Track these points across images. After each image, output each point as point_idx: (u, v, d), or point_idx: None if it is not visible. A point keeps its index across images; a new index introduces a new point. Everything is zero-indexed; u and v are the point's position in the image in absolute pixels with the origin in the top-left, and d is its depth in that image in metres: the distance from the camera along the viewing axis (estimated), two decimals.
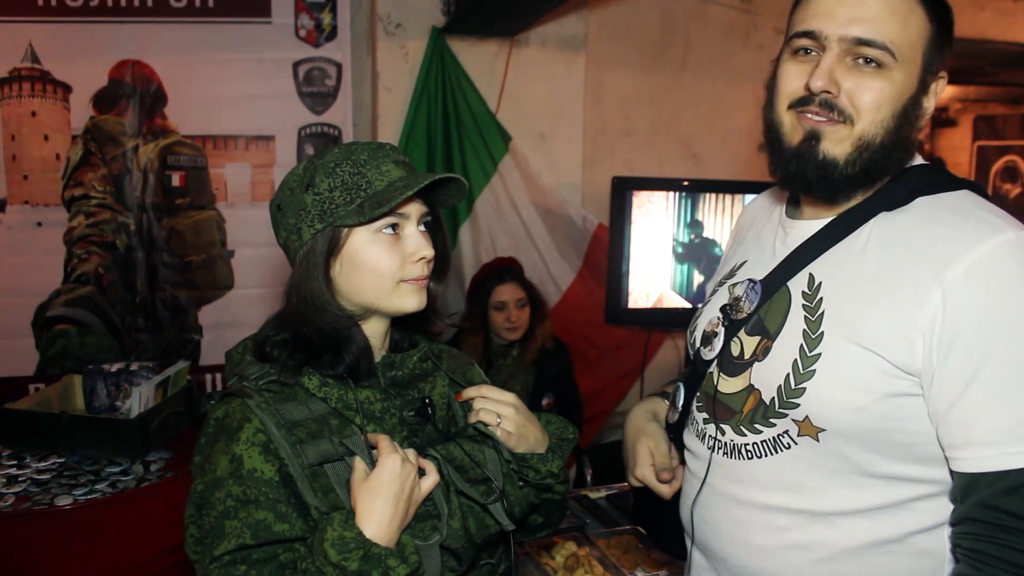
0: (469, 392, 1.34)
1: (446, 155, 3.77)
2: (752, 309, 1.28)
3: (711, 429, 1.32)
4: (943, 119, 9.64)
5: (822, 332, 1.17)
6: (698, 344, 1.38)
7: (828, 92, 1.16)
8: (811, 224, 1.26)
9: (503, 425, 1.30)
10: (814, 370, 1.16)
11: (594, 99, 4.13)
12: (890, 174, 1.20)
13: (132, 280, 3.66)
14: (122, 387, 2.76)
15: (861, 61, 1.15)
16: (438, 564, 1.20)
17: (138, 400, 2.57)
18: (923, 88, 1.17)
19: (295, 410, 1.21)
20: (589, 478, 3.26)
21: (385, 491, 1.14)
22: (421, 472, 1.22)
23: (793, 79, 1.20)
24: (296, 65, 3.67)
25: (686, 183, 3.78)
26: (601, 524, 2.40)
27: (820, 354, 1.16)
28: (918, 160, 1.24)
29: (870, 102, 1.15)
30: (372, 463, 1.18)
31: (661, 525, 1.50)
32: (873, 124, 1.16)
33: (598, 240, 3.89)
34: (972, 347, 1.05)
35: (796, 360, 1.18)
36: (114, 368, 2.79)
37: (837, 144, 1.18)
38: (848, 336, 1.14)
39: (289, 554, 1.15)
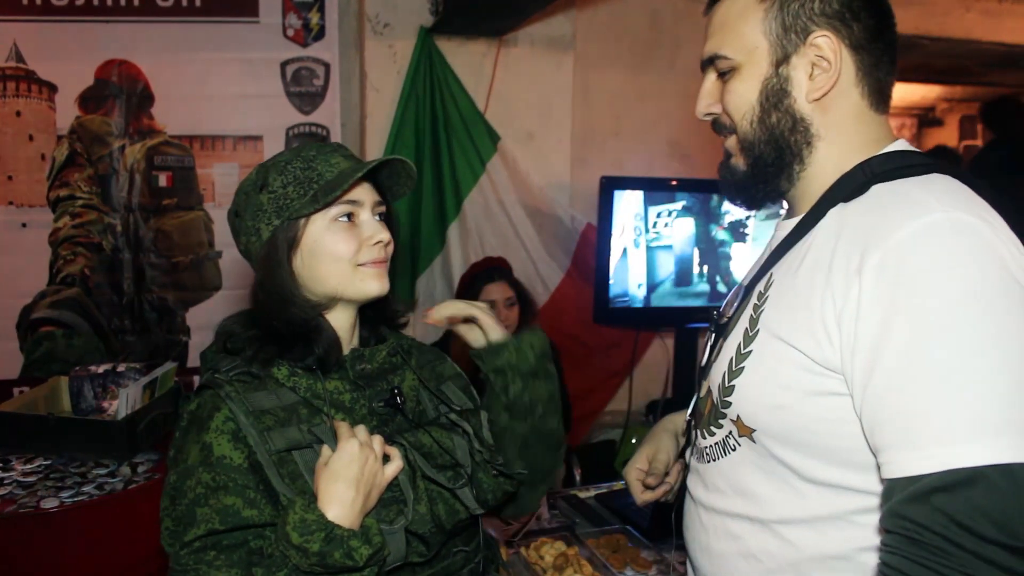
0: (440, 310, 1.40)
1: (434, 155, 3.77)
2: (732, 313, 1.27)
3: (692, 434, 1.34)
4: (930, 119, 9.70)
5: (757, 330, 1.15)
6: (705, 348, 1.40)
7: (708, 115, 1.25)
8: (790, 223, 1.23)
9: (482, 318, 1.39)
10: (743, 367, 1.15)
11: (582, 99, 4.14)
12: (796, 153, 1.18)
13: (119, 281, 3.64)
14: (109, 389, 2.74)
15: (722, 75, 1.22)
16: (403, 548, 1.23)
17: (125, 401, 2.55)
18: (782, 61, 1.16)
19: (264, 399, 1.24)
20: (578, 478, 3.26)
21: (344, 474, 1.17)
22: (387, 459, 1.25)
23: None
24: (284, 65, 3.66)
25: (674, 183, 3.79)
26: (590, 523, 2.40)
27: (751, 351, 1.15)
28: (895, 146, 1.17)
29: (732, 106, 1.20)
30: None
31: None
32: (743, 123, 1.20)
33: (587, 240, 3.89)
34: (879, 343, 0.96)
35: (732, 358, 1.18)
36: (101, 370, 2.77)
37: (736, 157, 1.24)
38: (775, 332, 1.11)
39: (259, 540, 1.18)
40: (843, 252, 1.04)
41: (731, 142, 1.24)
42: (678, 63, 4.28)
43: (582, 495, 2.63)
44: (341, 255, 1.28)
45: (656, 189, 3.72)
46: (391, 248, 1.34)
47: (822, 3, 1.15)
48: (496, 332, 1.41)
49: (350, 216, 1.29)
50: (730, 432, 1.20)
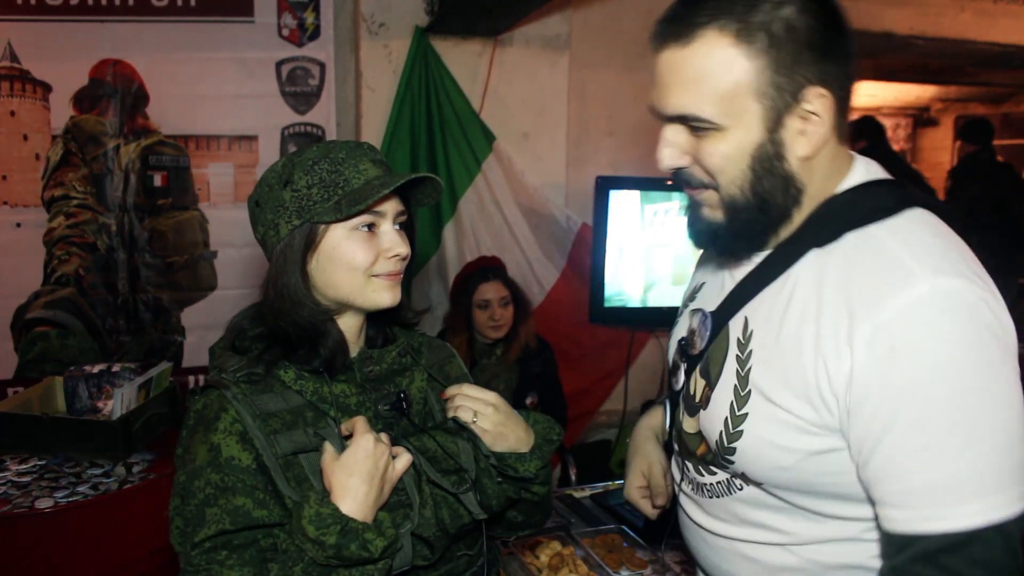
0: (451, 391, 1.36)
1: (429, 155, 3.77)
2: (703, 345, 1.25)
3: (681, 462, 1.34)
4: (925, 119, 9.73)
5: (749, 391, 1.14)
6: (671, 370, 1.38)
7: (675, 168, 1.14)
8: (755, 257, 1.20)
9: (479, 423, 1.32)
10: (742, 431, 1.15)
11: (578, 99, 4.14)
12: (785, 212, 1.12)
13: (113, 281, 3.63)
14: (104, 389, 2.74)
15: (694, 127, 1.10)
16: (409, 552, 1.23)
17: (120, 401, 2.55)
18: (775, 125, 1.07)
19: (271, 402, 1.24)
20: (573, 477, 3.26)
21: (359, 468, 1.17)
22: (394, 457, 1.25)
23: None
24: (279, 65, 3.66)
25: (669, 182, 3.79)
26: (585, 523, 2.40)
27: (747, 413, 1.14)
28: (856, 173, 1.15)
29: (714, 167, 1.10)
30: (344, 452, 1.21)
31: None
32: (730, 187, 1.10)
33: (582, 240, 3.90)
34: (879, 410, 1.01)
35: (727, 418, 1.17)
36: (96, 370, 2.77)
37: (714, 210, 1.14)
38: (768, 396, 1.11)
39: (269, 539, 1.18)
40: (829, 315, 1.05)
41: (708, 197, 1.14)
42: None
43: (577, 495, 2.63)
44: (357, 265, 1.26)
45: (651, 189, 3.72)
46: (407, 260, 1.32)
47: (812, 52, 1.05)
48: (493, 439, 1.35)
49: (371, 226, 1.27)
50: (732, 476, 1.22)
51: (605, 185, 3.65)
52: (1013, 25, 5.24)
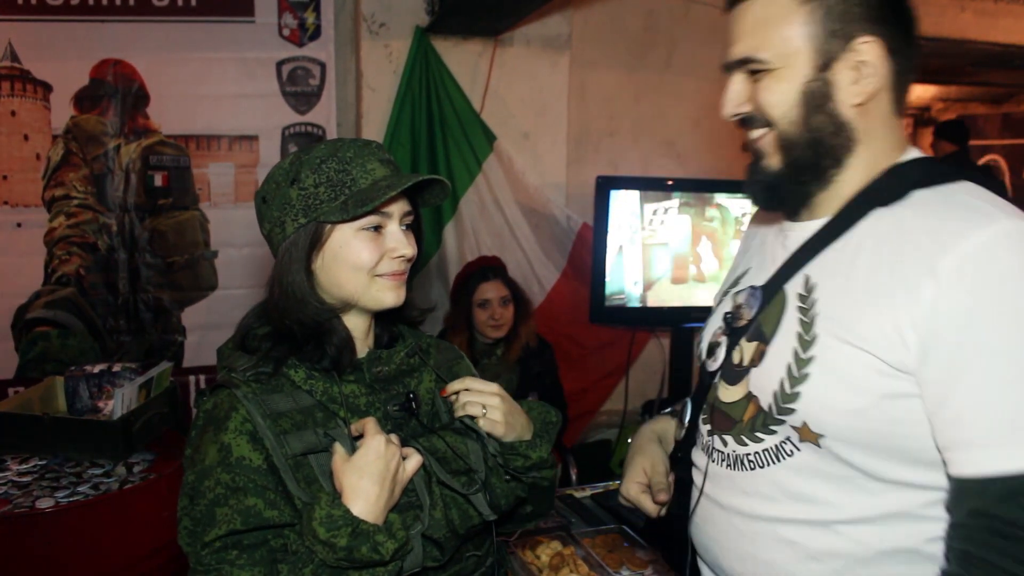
0: (453, 386, 1.36)
1: (430, 155, 3.77)
2: (752, 315, 1.25)
3: (714, 441, 1.30)
4: (925, 119, 9.72)
5: (816, 334, 1.14)
6: (704, 356, 1.37)
7: (737, 115, 1.24)
8: (809, 225, 1.24)
9: (489, 415, 1.32)
10: (808, 373, 1.13)
11: (578, 99, 4.14)
12: (835, 157, 1.19)
13: (114, 281, 3.64)
14: (104, 389, 2.73)
15: (753, 73, 1.20)
16: (419, 553, 1.22)
17: (121, 401, 2.55)
18: (825, 66, 1.15)
19: (281, 401, 1.23)
20: (574, 477, 3.26)
21: (371, 470, 1.17)
22: (404, 458, 1.24)
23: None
24: (280, 64, 3.66)
25: (670, 182, 3.79)
26: (586, 523, 2.40)
27: (814, 356, 1.13)
28: (913, 153, 1.21)
29: (769, 105, 1.19)
30: (354, 452, 1.21)
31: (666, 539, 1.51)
32: (783, 122, 1.18)
33: (583, 239, 3.90)
34: (962, 343, 1.00)
35: (790, 364, 1.15)
36: (96, 370, 2.76)
37: (771, 156, 1.22)
38: (841, 336, 1.10)
39: (279, 539, 1.17)
40: (908, 254, 1.07)
41: (767, 140, 1.21)
42: (674, 63, 4.28)
43: (578, 495, 2.62)
44: (362, 265, 1.26)
45: (651, 188, 3.73)
46: (412, 260, 1.32)
47: (863, 7, 1.14)
48: (500, 429, 1.35)
49: (378, 227, 1.27)
50: (787, 438, 1.18)
51: (605, 185, 3.65)
52: (1013, 25, 5.24)
